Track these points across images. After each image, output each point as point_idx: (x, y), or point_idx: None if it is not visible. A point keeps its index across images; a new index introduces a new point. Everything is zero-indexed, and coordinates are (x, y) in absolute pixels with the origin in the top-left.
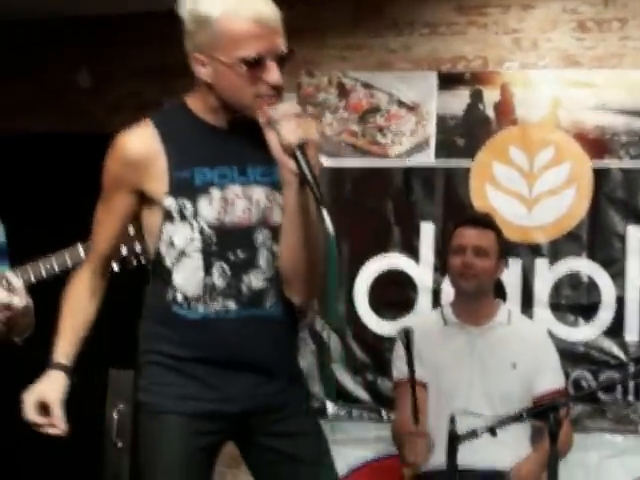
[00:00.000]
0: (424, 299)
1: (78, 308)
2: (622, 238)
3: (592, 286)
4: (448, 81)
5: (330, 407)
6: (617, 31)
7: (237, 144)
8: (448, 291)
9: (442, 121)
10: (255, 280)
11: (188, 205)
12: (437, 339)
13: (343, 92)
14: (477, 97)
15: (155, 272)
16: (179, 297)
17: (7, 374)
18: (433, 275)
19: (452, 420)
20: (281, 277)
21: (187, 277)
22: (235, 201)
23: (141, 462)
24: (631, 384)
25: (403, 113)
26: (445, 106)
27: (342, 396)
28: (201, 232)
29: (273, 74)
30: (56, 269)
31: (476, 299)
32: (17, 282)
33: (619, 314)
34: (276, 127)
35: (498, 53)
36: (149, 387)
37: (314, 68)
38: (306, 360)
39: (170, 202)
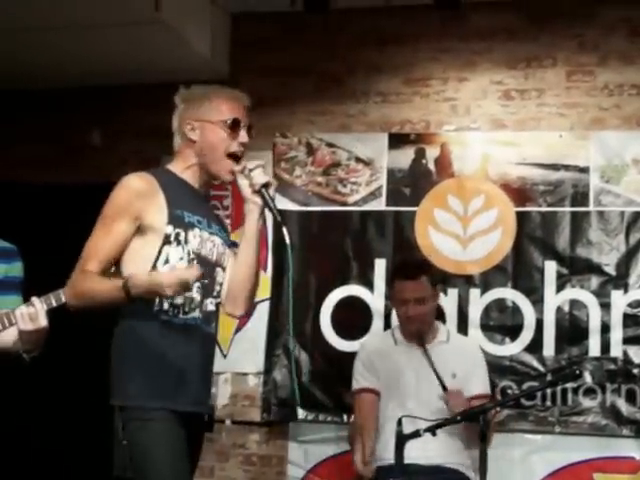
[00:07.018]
0: (378, 322)
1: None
2: (540, 271)
3: (516, 310)
4: (397, 141)
5: (300, 412)
6: (535, 99)
7: (204, 204)
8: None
9: (392, 174)
10: (210, 304)
11: (182, 234)
12: (389, 356)
13: (310, 150)
14: (420, 154)
15: None
16: (166, 306)
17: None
18: (385, 302)
19: (399, 423)
20: (227, 297)
21: None
22: (206, 241)
23: None
24: (548, 391)
25: (360, 167)
26: (394, 161)
27: (310, 403)
28: (189, 255)
29: (244, 135)
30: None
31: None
32: (40, 306)
33: (538, 333)
34: (248, 174)
35: (438, 118)
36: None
37: (286, 130)
38: (281, 373)
39: (170, 230)
